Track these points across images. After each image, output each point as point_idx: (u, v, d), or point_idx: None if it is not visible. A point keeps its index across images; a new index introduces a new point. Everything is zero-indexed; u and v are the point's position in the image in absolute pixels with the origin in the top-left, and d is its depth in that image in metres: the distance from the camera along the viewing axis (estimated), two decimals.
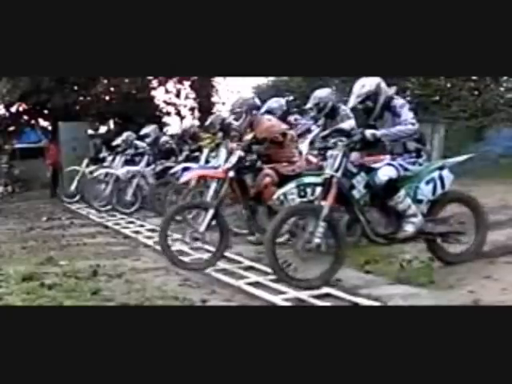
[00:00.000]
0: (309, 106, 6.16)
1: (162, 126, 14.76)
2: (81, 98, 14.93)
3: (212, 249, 5.00)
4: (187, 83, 15.68)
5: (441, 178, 4.38)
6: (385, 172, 4.21)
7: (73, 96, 14.43)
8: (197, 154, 8.15)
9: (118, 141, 10.26)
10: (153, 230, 6.86)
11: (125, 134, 10.15)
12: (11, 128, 15.80)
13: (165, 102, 16.17)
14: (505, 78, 12.51)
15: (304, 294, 3.88)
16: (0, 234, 7.63)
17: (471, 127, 12.33)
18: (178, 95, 15.96)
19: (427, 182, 4.34)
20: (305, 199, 4.47)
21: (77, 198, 10.76)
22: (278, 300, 3.83)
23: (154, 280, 4.55)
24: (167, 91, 16.03)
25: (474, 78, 12.49)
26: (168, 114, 16.23)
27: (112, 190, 9.13)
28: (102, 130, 16.65)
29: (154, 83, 15.68)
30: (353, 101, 4.41)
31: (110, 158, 10.37)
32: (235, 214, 5.79)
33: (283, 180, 5.04)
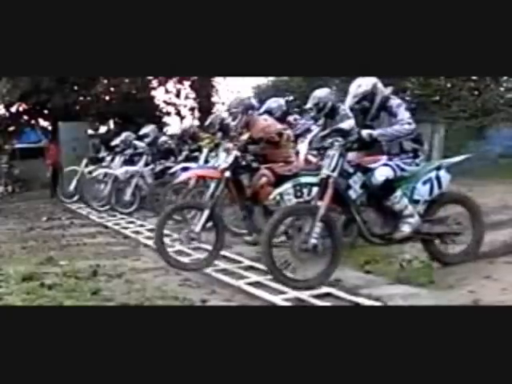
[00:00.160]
0: (308, 105, 6.16)
1: (162, 126, 14.78)
2: (81, 98, 14.92)
3: (210, 248, 4.99)
4: (187, 83, 15.68)
5: (438, 179, 4.37)
6: (381, 172, 4.20)
7: (73, 96, 14.42)
8: (196, 154, 8.15)
9: (116, 141, 10.25)
10: (153, 230, 6.85)
11: (123, 134, 10.15)
12: (11, 128, 15.78)
13: (165, 102, 16.17)
14: (505, 78, 12.52)
15: (304, 294, 3.88)
16: (0, 233, 7.63)
17: (471, 127, 12.33)
18: (178, 95, 15.95)
19: (424, 183, 4.34)
20: (301, 199, 4.47)
21: (75, 198, 10.77)
22: (278, 300, 3.83)
23: (154, 280, 4.56)
24: (167, 91, 16.03)
25: (474, 77, 12.49)
26: (168, 114, 16.23)
27: (111, 190, 9.12)
28: (102, 130, 16.64)
29: (154, 83, 15.68)
30: (349, 101, 4.40)
31: (108, 158, 10.36)
32: (234, 214, 5.79)
33: (279, 180, 5.04)
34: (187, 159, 8.26)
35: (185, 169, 7.34)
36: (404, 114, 4.25)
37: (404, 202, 4.24)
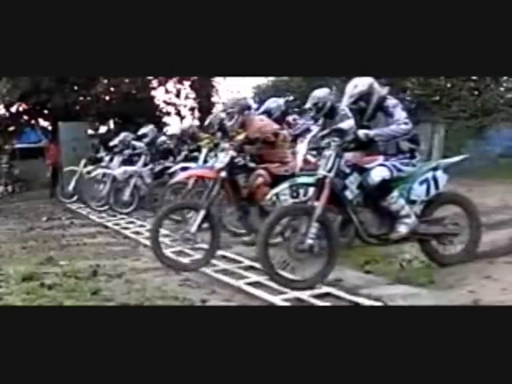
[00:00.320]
0: (308, 105, 6.16)
1: (161, 126, 14.77)
2: (81, 98, 14.92)
3: (206, 248, 4.98)
4: (187, 83, 15.67)
5: (434, 179, 4.36)
6: (378, 172, 4.18)
7: (73, 96, 14.42)
8: (196, 154, 8.15)
9: (115, 141, 10.25)
10: None
11: (122, 135, 10.14)
12: (11, 128, 15.78)
13: (165, 102, 16.17)
14: (505, 78, 12.51)
15: (304, 294, 3.88)
16: (0, 233, 7.64)
17: (471, 127, 12.33)
18: (178, 95, 15.95)
19: (421, 183, 4.32)
20: (297, 200, 4.46)
21: (74, 198, 10.76)
22: (278, 300, 3.83)
23: (154, 280, 4.56)
24: (167, 91, 16.03)
25: (474, 77, 12.49)
26: (168, 114, 16.23)
27: (109, 190, 9.11)
28: (102, 130, 16.64)
29: (154, 83, 15.67)
30: (346, 101, 4.40)
31: (107, 158, 10.36)
32: (234, 214, 5.78)
33: (276, 180, 5.03)
34: (186, 159, 8.26)
35: (184, 169, 7.34)
36: (400, 114, 4.24)
37: (401, 203, 4.22)
